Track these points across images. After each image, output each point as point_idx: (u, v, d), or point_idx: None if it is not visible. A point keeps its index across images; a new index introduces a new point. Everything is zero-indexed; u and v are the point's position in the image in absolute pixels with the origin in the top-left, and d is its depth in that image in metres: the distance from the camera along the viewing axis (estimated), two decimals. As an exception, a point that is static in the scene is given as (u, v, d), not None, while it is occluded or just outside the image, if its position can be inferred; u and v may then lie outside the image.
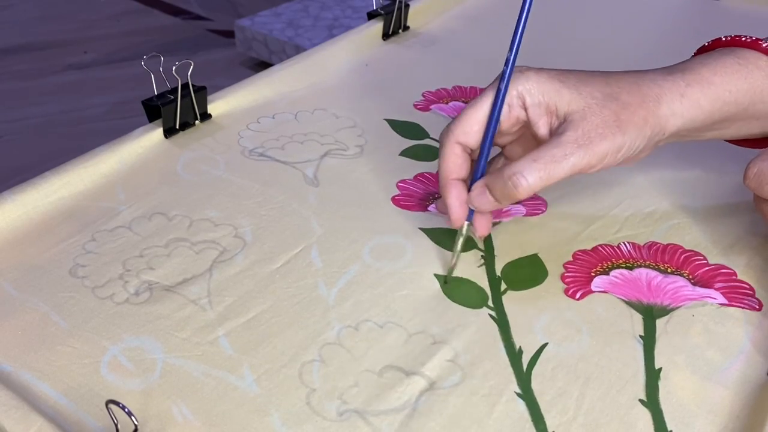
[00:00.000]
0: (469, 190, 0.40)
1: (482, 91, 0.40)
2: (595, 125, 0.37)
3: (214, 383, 0.35)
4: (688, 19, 0.78)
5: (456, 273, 0.42)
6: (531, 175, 0.37)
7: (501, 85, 0.39)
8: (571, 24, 0.76)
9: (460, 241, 0.41)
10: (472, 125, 0.40)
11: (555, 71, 0.40)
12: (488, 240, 0.44)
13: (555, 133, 0.38)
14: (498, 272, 0.42)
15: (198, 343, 0.37)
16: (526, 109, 0.39)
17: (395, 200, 0.48)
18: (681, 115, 0.39)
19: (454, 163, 0.40)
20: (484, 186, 0.39)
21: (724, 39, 0.42)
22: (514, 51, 0.39)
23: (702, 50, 0.44)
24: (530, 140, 0.42)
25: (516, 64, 0.40)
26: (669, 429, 0.33)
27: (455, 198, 0.40)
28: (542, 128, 0.39)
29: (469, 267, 0.42)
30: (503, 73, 0.39)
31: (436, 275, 0.42)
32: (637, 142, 0.38)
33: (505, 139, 0.42)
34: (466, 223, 0.40)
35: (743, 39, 0.41)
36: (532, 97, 0.39)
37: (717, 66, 0.40)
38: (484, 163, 0.40)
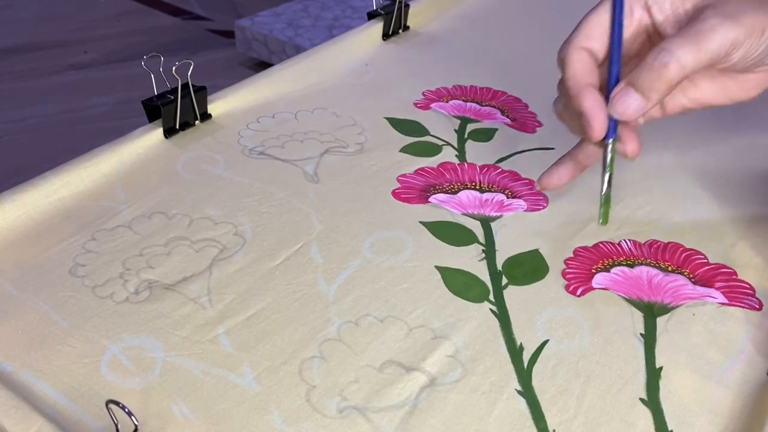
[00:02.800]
0: (607, 98, 0.36)
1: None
2: (735, 3, 0.34)
3: (214, 381, 0.35)
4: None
5: (457, 266, 0.42)
6: (681, 50, 0.33)
7: None
8: (570, 23, 0.76)
9: (609, 158, 0.36)
10: (594, 28, 0.36)
11: None
12: (489, 234, 0.44)
13: (690, 21, 0.35)
14: (499, 266, 0.42)
15: (198, 342, 0.37)
16: (648, 10, 0.36)
17: (395, 193, 0.48)
18: None
19: (584, 70, 0.35)
20: (627, 84, 0.35)
21: None
22: None
23: None
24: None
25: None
26: (669, 428, 0.33)
27: (592, 100, 0.35)
28: (670, 29, 0.36)
29: (471, 261, 0.42)
30: None
31: (437, 267, 0.42)
32: None
33: (626, 69, 0.38)
34: (612, 139, 0.36)
35: None
36: None
37: None
38: (617, 68, 0.36)
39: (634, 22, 0.36)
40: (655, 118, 0.40)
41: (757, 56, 0.36)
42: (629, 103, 0.35)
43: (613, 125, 0.37)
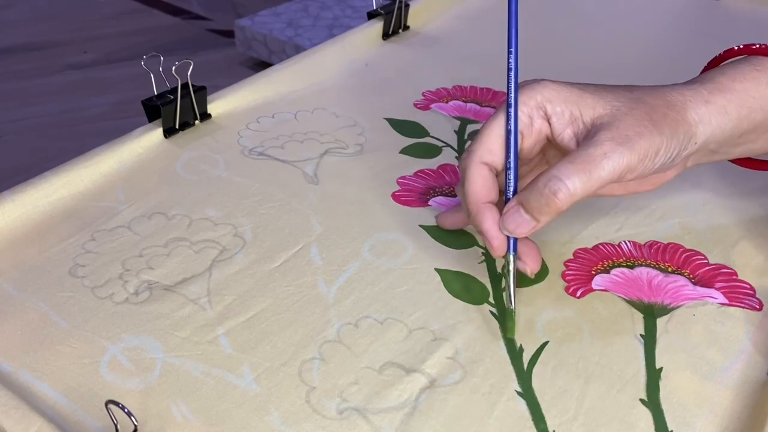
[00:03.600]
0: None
1: (498, 106, 0.38)
2: (630, 124, 0.35)
3: (213, 382, 0.35)
4: (688, 19, 0.78)
5: (457, 268, 0.42)
6: (570, 179, 0.33)
7: (510, 84, 0.37)
8: (570, 24, 0.76)
9: (512, 279, 0.36)
10: (494, 142, 0.37)
11: (570, 82, 0.38)
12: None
13: (586, 138, 0.36)
14: (498, 269, 0.42)
15: (197, 343, 0.37)
16: (548, 120, 0.37)
17: (395, 196, 0.48)
18: (709, 122, 0.37)
19: (483, 186, 0.36)
20: (518, 204, 0.35)
21: (736, 48, 0.41)
22: (514, 47, 0.38)
23: (714, 62, 0.42)
24: (544, 160, 0.41)
25: (528, 78, 0.38)
26: (670, 429, 0.33)
27: (492, 222, 0.36)
28: (567, 139, 0.37)
29: (470, 263, 0.42)
30: (508, 72, 0.37)
31: (436, 269, 0.41)
32: (672, 145, 0.36)
33: (527, 168, 0.40)
34: (512, 254, 0.37)
35: (755, 47, 0.40)
36: (553, 105, 0.37)
37: (735, 74, 0.39)
38: (514, 180, 0.37)
39: (534, 132, 0.37)
40: None
41: (653, 171, 0.36)
42: (519, 222, 0.36)
43: (514, 241, 0.37)
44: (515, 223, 0.36)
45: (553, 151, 0.40)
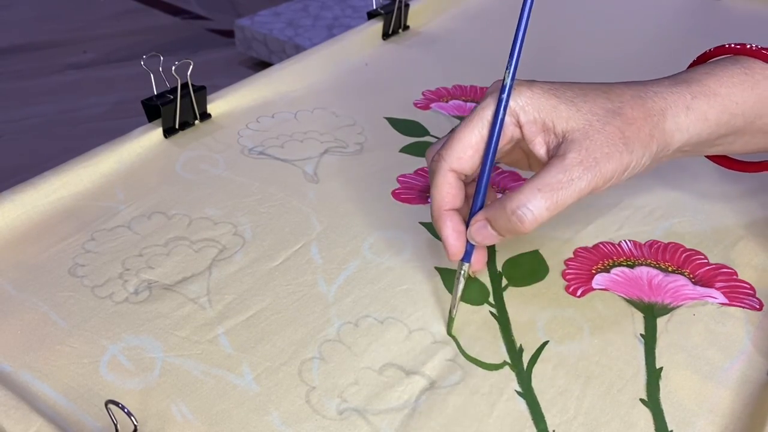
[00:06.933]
0: (467, 222, 0.37)
1: (470, 112, 0.37)
2: (600, 144, 0.35)
3: (213, 382, 0.35)
4: (688, 18, 0.78)
5: (456, 267, 0.41)
6: (536, 207, 0.35)
7: (499, 108, 0.36)
8: (570, 23, 0.76)
9: (461, 284, 0.37)
10: (465, 150, 0.37)
11: (548, 84, 0.37)
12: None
13: (556, 154, 0.36)
14: (499, 268, 0.42)
15: (197, 342, 0.37)
16: (520, 127, 0.37)
17: (395, 194, 0.48)
18: (686, 130, 0.37)
19: (449, 193, 0.37)
20: (485, 219, 0.36)
21: (728, 46, 0.40)
22: (511, 73, 0.36)
23: (705, 56, 0.42)
24: (522, 153, 0.40)
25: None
26: (670, 429, 0.33)
27: (451, 230, 0.37)
28: (538, 147, 0.37)
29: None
30: (500, 97, 0.36)
31: (437, 268, 0.41)
32: (643, 160, 0.36)
33: (497, 156, 0.40)
34: (466, 264, 0.38)
35: (749, 47, 0.39)
36: (526, 114, 0.36)
37: (723, 76, 0.38)
38: (483, 194, 0.37)
39: (506, 137, 0.37)
40: None
41: (622, 183, 0.37)
42: (485, 236, 0.37)
43: (470, 249, 0.38)
44: (481, 236, 0.37)
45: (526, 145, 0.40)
